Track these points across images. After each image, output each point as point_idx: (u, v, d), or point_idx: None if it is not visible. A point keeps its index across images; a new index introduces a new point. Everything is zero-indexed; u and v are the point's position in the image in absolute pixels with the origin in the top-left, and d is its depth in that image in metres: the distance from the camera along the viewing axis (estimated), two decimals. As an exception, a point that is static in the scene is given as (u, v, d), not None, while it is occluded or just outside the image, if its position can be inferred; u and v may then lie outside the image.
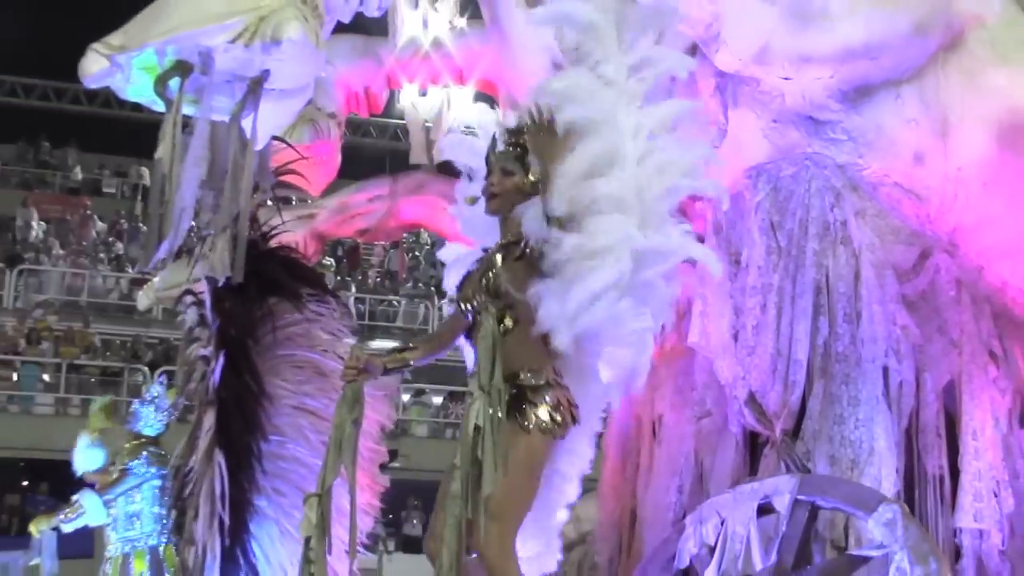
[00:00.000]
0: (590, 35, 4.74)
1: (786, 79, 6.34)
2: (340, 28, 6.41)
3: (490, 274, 4.59)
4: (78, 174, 28.44)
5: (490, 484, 4.12)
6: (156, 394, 8.44)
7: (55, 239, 24.30)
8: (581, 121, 4.56)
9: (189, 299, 7.14)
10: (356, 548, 4.58)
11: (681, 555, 5.58)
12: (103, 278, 22.94)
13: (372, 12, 6.14)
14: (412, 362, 4.70)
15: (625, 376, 4.87)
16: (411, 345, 4.73)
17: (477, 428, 4.17)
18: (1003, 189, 6.33)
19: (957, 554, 6.23)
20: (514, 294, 4.52)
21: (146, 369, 19.38)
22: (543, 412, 4.48)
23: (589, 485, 6.80)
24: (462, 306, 4.71)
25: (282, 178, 7.40)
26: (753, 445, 6.60)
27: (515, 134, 4.80)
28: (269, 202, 7.68)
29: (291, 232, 8.16)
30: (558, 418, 4.53)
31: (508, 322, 4.53)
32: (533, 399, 4.49)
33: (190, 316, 7.14)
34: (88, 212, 25.92)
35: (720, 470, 6.65)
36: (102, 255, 23.79)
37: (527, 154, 4.69)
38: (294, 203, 7.66)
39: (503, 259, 4.61)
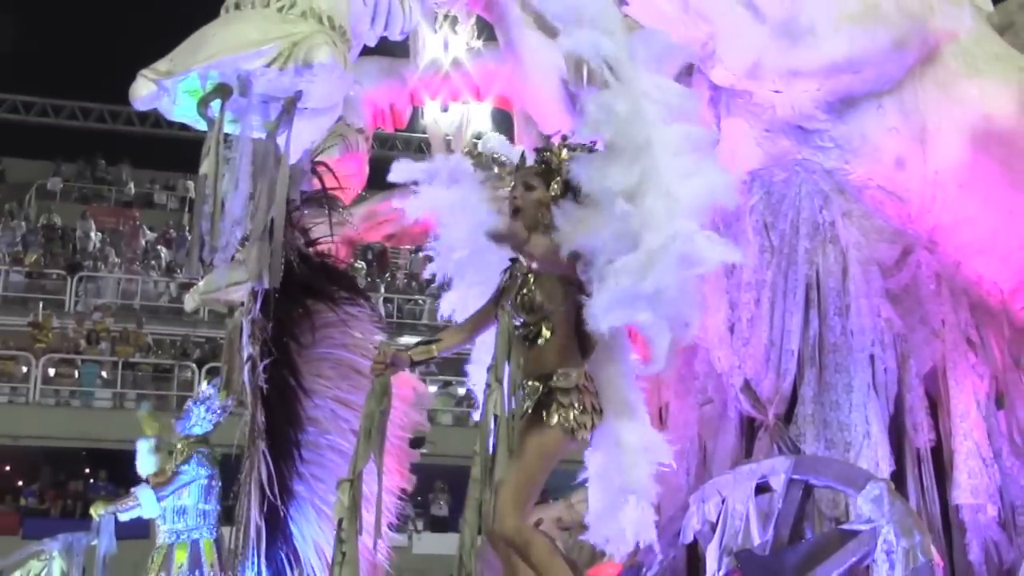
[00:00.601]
0: (612, 65, 4.63)
1: (776, 92, 6.33)
2: (367, 51, 6.42)
3: (525, 292, 4.50)
4: (131, 189, 28.52)
5: (503, 469, 4.10)
6: (208, 395, 8.44)
7: (111, 248, 24.36)
8: (624, 139, 4.41)
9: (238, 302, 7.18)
10: (382, 527, 4.54)
11: (685, 532, 5.56)
12: (154, 283, 23.00)
13: (395, 36, 6.15)
14: (437, 354, 4.63)
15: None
16: (436, 338, 4.68)
17: (495, 417, 4.16)
18: (977, 190, 6.30)
19: (949, 529, 6.21)
20: (548, 307, 4.47)
21: (194, 366, 19.41)
22: (569, 413, 4.41)
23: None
24: (498, 306, 4.62)
25: (316, 189, 7.42)
26: (750, 429, 6.58)
27: (542, 151, 4.72)
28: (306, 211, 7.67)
29: (325, 238, 8.17)
30: (585, 421, 4.45)
31: (546, 332, 4.47)
32: (562, 400, 4.42)
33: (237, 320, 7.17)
34: (139, 223, 25.98)
35: (720, 453, 6.63)
36: (153, 262, 23.87)
37: (551, 170, 4.60)
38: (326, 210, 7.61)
39: (535, 276, 4.53)
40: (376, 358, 4.46)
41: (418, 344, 4.64)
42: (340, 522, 4.19)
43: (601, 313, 4.21)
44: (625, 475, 4.50)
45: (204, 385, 8.77)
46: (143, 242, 25.20)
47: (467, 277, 5.00)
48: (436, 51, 9.29)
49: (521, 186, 4.60)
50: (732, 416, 6.61)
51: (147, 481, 8.39)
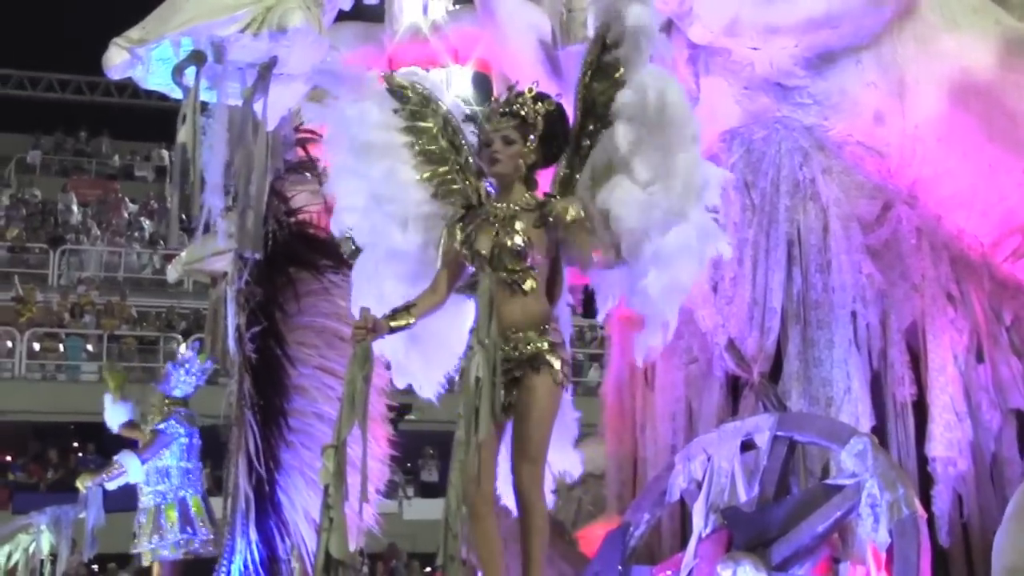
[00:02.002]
0: (639, 34, 4.70)
1: (755, 49, 6.27)
2: (344, 16, 6.35)
3: (513, 236, 4.53)
4: (116, 161, 28.37)
5: (485, 430, 4.12)
6: (188, 357, 8.42)
7: (93, 221, 24.25)
8: (659, 116, 4.56)
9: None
10: (368, 493, 4.55)
11: (672, 490, 5.58)
12: (137, 255, 22.93)
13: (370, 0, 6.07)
14: (415, 319, 4.62)
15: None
16: (412, 303, 4.66)
17: (477, 379, 4.16)
18: (956, 144, 6.29)
19: (929, 480, 6.23)
20: (540, 259, 4.55)
21: (180, 337, 19.35)
22: (565, 368, 4.55)
23: (587, 430, 6.81)
24: (470, 256, 4.63)
25: (297, 155, 7.38)
26: (736, 387, 6.58)
27: (512, 102, 4.75)
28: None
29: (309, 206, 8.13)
30: (567, 371, 4.58)
31: (531, 284, 4.54)
32: (561, 355, 4.56)
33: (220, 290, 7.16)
34: (121, 195, 25.86)
35: (707, 411, 6.64)
36: (135, 234, 23.76)
37: (525, 123, 4.65)
38: (309, 178, 7.57)
39: (521, 222, 4.56)
40: (356, 324, 4.45)
41: (395, 310, 4.63)
42: (327, 488, 4.19)
43: (659, 291, 4.51)
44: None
45: (183, 348, 8.74)
46: (126, 214, 25.08)
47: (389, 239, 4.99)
48: (415, 15, 9.23)
49: (500, 140, 4.63)
50: (718, 375, 6.61)
51: (135, 444, 8.38)
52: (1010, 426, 6.35)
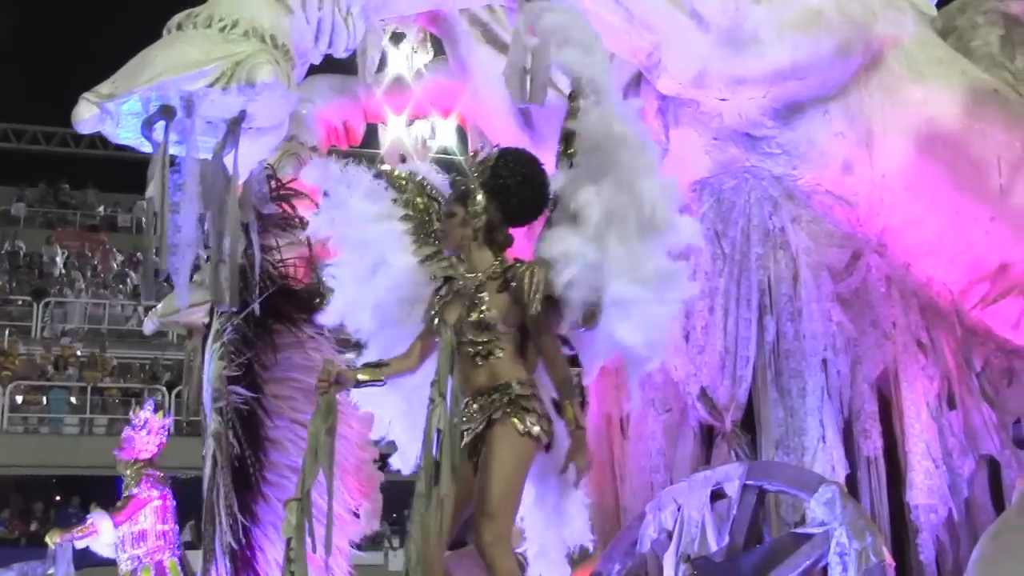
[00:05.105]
0: (593, 87, 4.70)
1: (723, 100, 6.34)
2: (319, 70, 6.41)
3: (479, 308, 4.50)
4: (96, 212, 28.38)
5: (447, 484, 4.09)
6: (144, 419, 8.36)
7: (77, 272, 24.21)
8: (611, 163, 4.50)
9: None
10: (341, 546, 4.53)
11: (642, 540, 5.56)
12: (121, 307, 22.87)
13: (340, 53, 6.10)
14: (384, 379, 4.58)
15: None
16: (385, 362, 4.65)
17: (437, 432, 4.14)
18: (924, 193, 6.35)
19: (902, 530, 6.23)
20: (504, 328, 4.50)
21: (164, 389, 19.30)
22: (533, 420, 4.42)
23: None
24: (438, 327, 4.61)
25: (274, 208, 7.40)
26: (709, 437, 6.59)
27: (455, 182, 4.81)
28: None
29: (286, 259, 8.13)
30: (545, 427, 4.47)
31: (499, 352, 4.49)
32: (526, 406, 4.44)
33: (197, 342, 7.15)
34: (107, 247, 25.83)
35: (681, 460, 6.64)
36: (120, 286, 23.72)
37: (464, 191, 4.67)
38: (288, 232, 7.59)
39: (488, 294, 4.54)
40: (320, 376, 4.44)
41: (366, 365, 4.63)
42: (289, 542, 4.17)
43: (632, 337, 4.40)
44: (566, 528, 4.67)
45: (139, 411, 8.65)
46: (114, 265, 25.06)
47: (389, 317, 4.93)
48: (400, 67, 9.30)
49: (444, 217, 4.69)
50: (691, 424, 6.62)
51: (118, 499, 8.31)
52: (982, 472, 6.38)
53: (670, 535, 5.41)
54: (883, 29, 6.46)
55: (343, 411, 4.96)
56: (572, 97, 4.81)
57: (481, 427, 4.42)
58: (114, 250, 25.81)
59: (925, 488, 6.18)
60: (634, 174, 4.45)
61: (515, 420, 4.38)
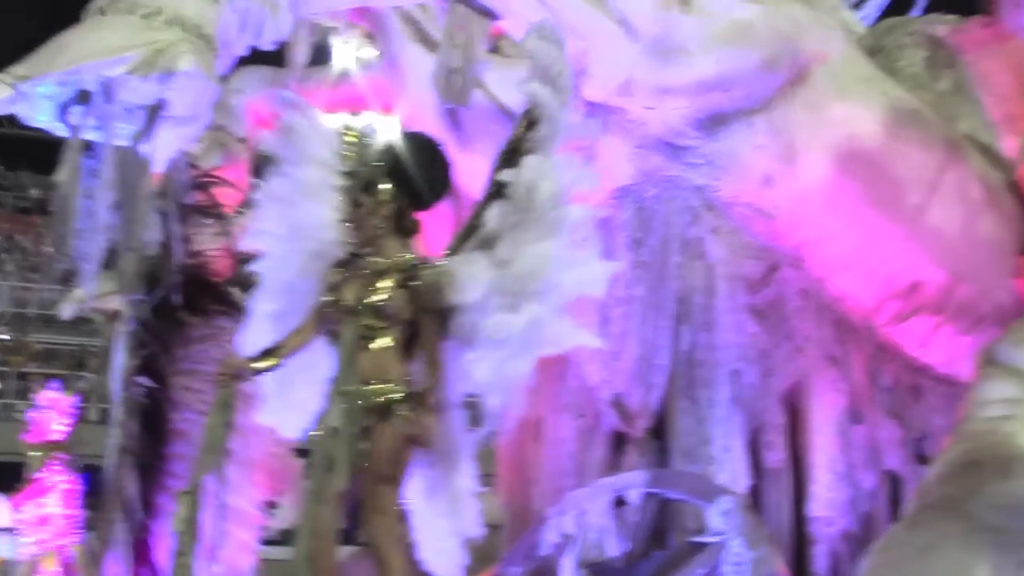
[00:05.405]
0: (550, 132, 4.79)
1: (649, 109, 6.38)
2: (251, 61, 6.39)
3: (379, 294, 4.52)
4: (29, 194, 27.96)
5: (342, 480, 4.10)
6: (50, 400, 8.26)
7: (6, 255, 23.85)
8: (537, 212, 4.61)
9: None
10: (243, 539, 4.52)
11: (543, 544, 5.59)
12: (50, 291, 22.57)
13: (266, 45, 6.09)
14: (280, 360, 4.56)
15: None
16: (280, 343, 4.63)
17: (334, 429, 4.15)
18: (841, 209, 6.43)
19: (802, 541, 6.31)
20: (396, 320, 4.53)
21: (89, 376, 19.08)
22: (412, 415, 4.47)
23: (488, 480, 6.82)
24: (336, 304, 4.61)
25: (199, 199, 7.36)
26: (621, 443, 6.63)
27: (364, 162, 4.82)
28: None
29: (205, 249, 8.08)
30: (425, 421, 4.50)
31: (387, 340, 4.52)
32: (406, 402, 4.48)
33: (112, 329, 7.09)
34: (39, 230, 25.45)
35: (592, 466, 6.66)
36: (50, 270, 23.43)
37: (373, 180, 4.69)
38: (209, 222, 7.55)
39: (394, 283, 4.56)
40: (219, 369, 4.44)
41: (262, 352, 4.61)
42: (179, 535, 4.15)
43: (481, 362, 4.46)
44: (455, 519, 4.68)
45: (45, 392, 8.55)
46: (45, 249, 24.71)
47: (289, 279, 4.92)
48: (345, 61, 9.26)
49: (352, 207, 4.69)
50: (604, 430, 6.65)
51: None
52: (884, 487, 6.48)
53: (571, 540, 5.45)
54: (810, 45, 6.52)
55: (256, 404, 4.95)
56: (526, 123, 4.85)
57: (368, 423, 4.44)
58: (46, 233, 25.45)
59: (826, 501, 6.26)
60: (544, 234, 4.57)
61: (397, 416, 4.40)
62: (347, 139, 5.10)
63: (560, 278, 4.57)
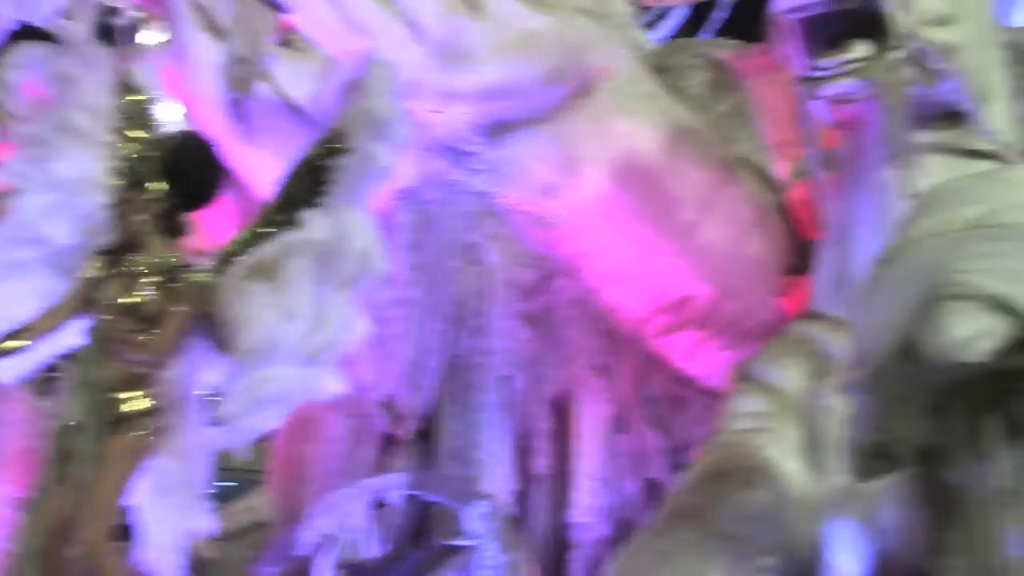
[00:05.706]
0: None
1: (433, 112, 6.40)
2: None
3: (134, 295, 4.39)
4: None
5: (81, 479, 4.00)
6: None
7: None
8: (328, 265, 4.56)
9: None
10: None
11: (300, 544, 5.56)
12: None
13: (38, 22, 5.89)
14: (32, 340, 4.40)
15: None
16: (32, 324, 4.42)
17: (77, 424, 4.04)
18: (617, 222, 6.56)
19: (564, 545, 6.43)
20: (150, 323, 4.41)
21: None
22: (146, 425, 4.36)
23: (260, 477, 6.73)
24: (91, 300, 4.46)
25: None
26: (391, 444, 6.64)
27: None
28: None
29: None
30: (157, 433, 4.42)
31: (140, 342, 4.40)
32: (142, 412, 4.37)
33: None
34: None
35: (362, 467, 6.65)
36: None
37: (144, 176, 4.57)
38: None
39: (150, 283, 4.44)
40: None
41: (10, 332, 4.43)
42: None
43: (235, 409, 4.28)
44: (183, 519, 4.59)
45: None
46: None
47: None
48: (149, 41, 8.98)
49: (117, 203, 4.56)
50: (374, 431, 6.66)
51: None
52: (646, 495, 6.66)
53: (329, 540, 5.43)
54: (597, 60, 6.64)
55: (9, 395, 4.76)
56: (327, 148, 4.76)
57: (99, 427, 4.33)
58: None
59: (587, 507, 6.40)
60: (346, 296, 4.52)
61: (128, 424, 4.31)
62: (129, 101, 4.92)
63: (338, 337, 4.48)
